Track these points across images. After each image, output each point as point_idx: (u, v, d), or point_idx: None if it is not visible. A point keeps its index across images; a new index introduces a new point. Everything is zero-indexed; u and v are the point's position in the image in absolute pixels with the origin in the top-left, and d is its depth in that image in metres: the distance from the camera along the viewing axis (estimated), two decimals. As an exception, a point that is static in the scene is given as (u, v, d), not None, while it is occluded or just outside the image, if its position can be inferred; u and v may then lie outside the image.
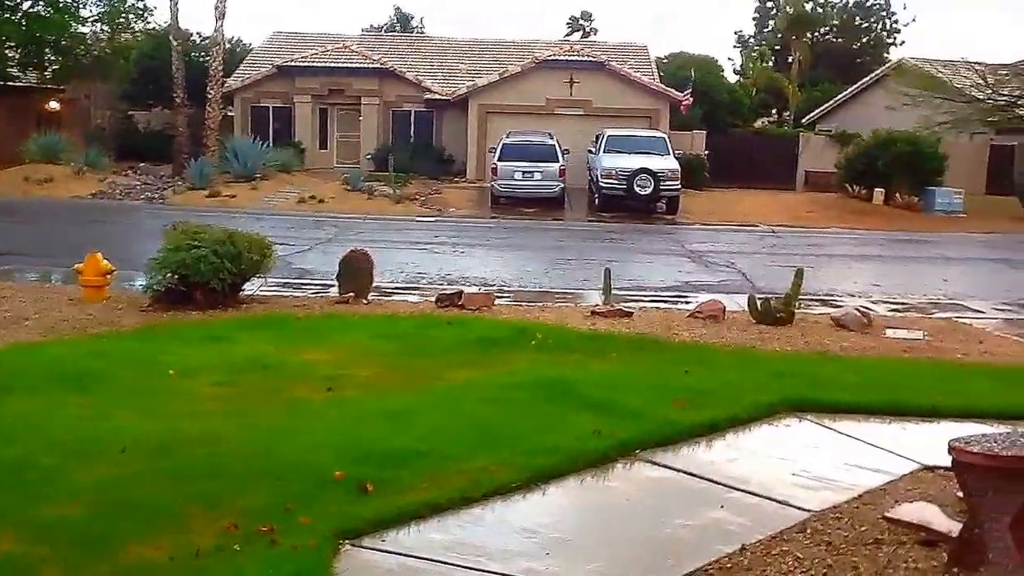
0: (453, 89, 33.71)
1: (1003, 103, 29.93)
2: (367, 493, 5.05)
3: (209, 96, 31.04)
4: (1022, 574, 4.09)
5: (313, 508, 4.82)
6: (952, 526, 4.62)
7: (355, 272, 11.57)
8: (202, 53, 36.48)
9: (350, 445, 5.72)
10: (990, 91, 29.90)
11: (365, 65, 34.25)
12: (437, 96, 33.84)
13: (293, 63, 34.22)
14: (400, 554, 4.55)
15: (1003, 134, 32.49)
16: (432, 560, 4.50)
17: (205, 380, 7.34)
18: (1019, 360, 9.25)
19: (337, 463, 5.36)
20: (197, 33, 41.07)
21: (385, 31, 52.28)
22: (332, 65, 34.09)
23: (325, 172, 32.07)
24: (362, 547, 4.58)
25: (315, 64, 34.08)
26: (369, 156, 33.45)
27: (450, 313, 10.56)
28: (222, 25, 31.39)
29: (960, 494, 4.64)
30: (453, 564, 4.46)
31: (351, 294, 11.30)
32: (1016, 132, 31.62)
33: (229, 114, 35.17)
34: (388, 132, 34.64)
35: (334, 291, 11.80)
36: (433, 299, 11.42)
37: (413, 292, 12.95)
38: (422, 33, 53.42)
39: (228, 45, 36.53)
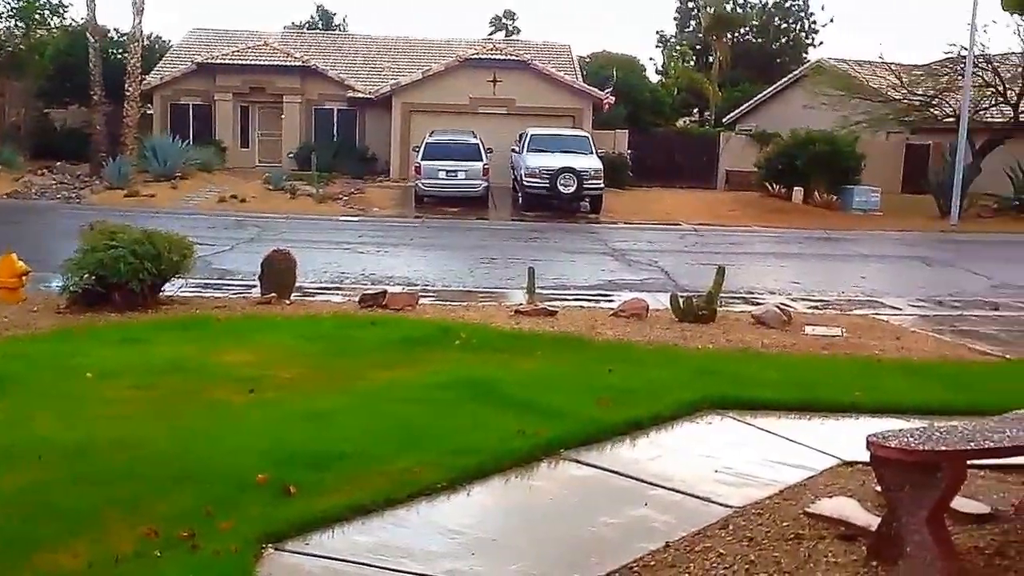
0: (376, 88, 33.51)
1: (918, 103, 30.82)
2: (290, 495, 4.97)
3: (127, 94, 30.37)
4: (939, 567, 4.18)
5: (235, 512, 4.72)
6: (871, 520, 4.70)
7: (277, 272, 11.40)
8: (120, 50, 35.61)
9: (273, 447, 5.62)
10: (905, 91, 30.77)
11: (287, 63, 33.84)
12: (360, 95, 33.59)
13: (214, 61, 33.65)
14: (324, 557, 4.49)
15: (918, 133, 33.45)
16: (356, 563, 4.44)
17: (124, 383, 7.16)
18: (935, 355, 9.48)
19: (259, 466, 5.26)
20: (115, 29, 40.07)
21: (307, 29, 51.65)
22: (253, 63, 33.62)
23: (247, 171, 31.58)
24: (285, 551, 4.50)
25: (236, 62, 33.57)
26: (291, 155, 33.05)
27: (374, 313, 10.47)
28: (140, 21, 30.76)
29: (878, 489, 4.72)
30: (377, 566, 4.41)
31: (273, 295, 11.14)
32: (931, 131, 32.57)
33: (148, 112, 34.47)
34: (311, 131, 34.27)
35: (256, 292, 11.63)
36: (356, 299, 11.31)
37: (336, 292, 12.83)
38: (345, 31, 52.92)
39: (147, 42, 35.81)
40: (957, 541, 4.59)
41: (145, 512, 4.67)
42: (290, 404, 6.67)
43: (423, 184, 26.27)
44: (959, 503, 4.84)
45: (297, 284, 11.79)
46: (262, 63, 33.66)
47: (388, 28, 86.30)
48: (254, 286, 11.84)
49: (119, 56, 34.76)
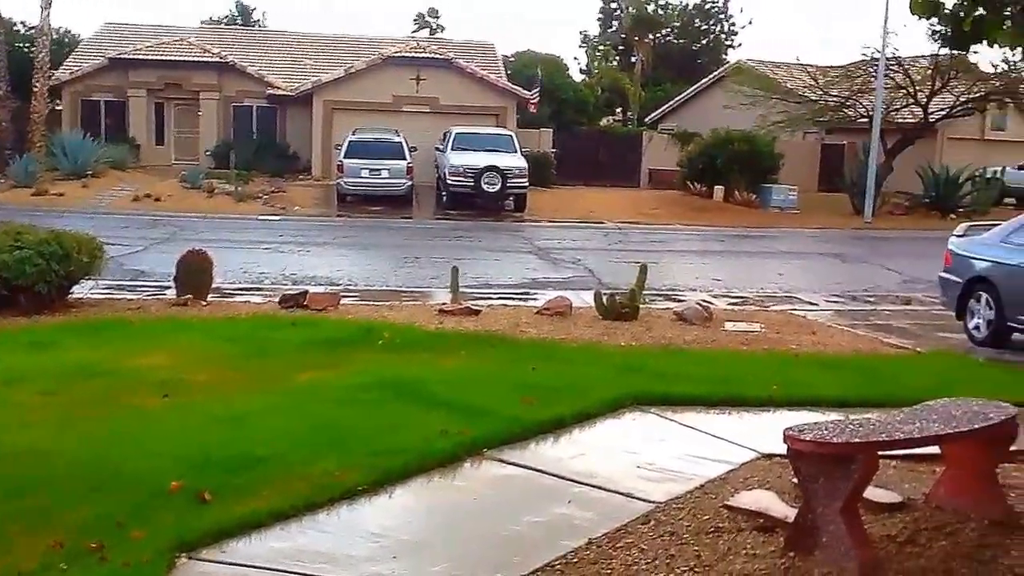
0: (297, 85, 33.05)
1: (833, 104, 31.51)
2: (205, 502, 4.87)
3: (35, 89, 29.48)
4: (853, 555, 4.26)
5: (147, 521, 4.60)
6: (788, 512, 4.78)
7: (193, 273, 11.16)
8: (27, 44, 34.55)
9: (188, 453, 5.50)
10: (821, 92, 31.44)
11: (204, 59, 33.17)
12: (280, 92, 33.09)
13: (127, 55, 32.81)
14: (241, 565, 4.40)
15: (834, 133, 34.16)
16: (273, 569, 4.37)
17: (31, 389, 6.94)
18: (850, 350, 9.70)
19: (174, 472, 5.15)
20: (21, 22, 38.93)
21: (225, 24, 50.78)
22: (169, 58, 32.90)
23: (162, 169, 30.87)
24: (200, 559, 4.41)
25: (151, 57, 32.80)
26: (209, 153, 32.42)
27: (295, 314, 10.32)
28: (48, 14, 29.86)
29: (796, 481, 4.80)
30: (296, 572, 4.34)
31: (189, 296, 10.91)
32: (846, 132, 33.32)
33: (57, 108, 33.48)
34: (229, 128, 33.66)
35: (171, 293, 11.37)
36: (277, 300, 11.15)
37: (256, 293, 12.63)
38: (264, 27, 52.18)
39: (56, 35, 34.80)
40: (870, 530, 4.69)
41: (52, 524, 4.53)
42: (207, 408, 6.53)
43: (346, 183, 26.03)
44: (872, 493, 4.95)
45: (215, 285, 11.57)
46: (178, 58, 32.95)
47: (309, 24, 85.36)
48: (169, 287, 11.59)
49: (26, 50, 33.73)
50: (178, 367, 7.69)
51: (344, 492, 5.14)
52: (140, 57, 32.76)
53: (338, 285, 13.44)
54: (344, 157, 26.09)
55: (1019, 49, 3.13)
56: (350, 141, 26.55)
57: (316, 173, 31.56)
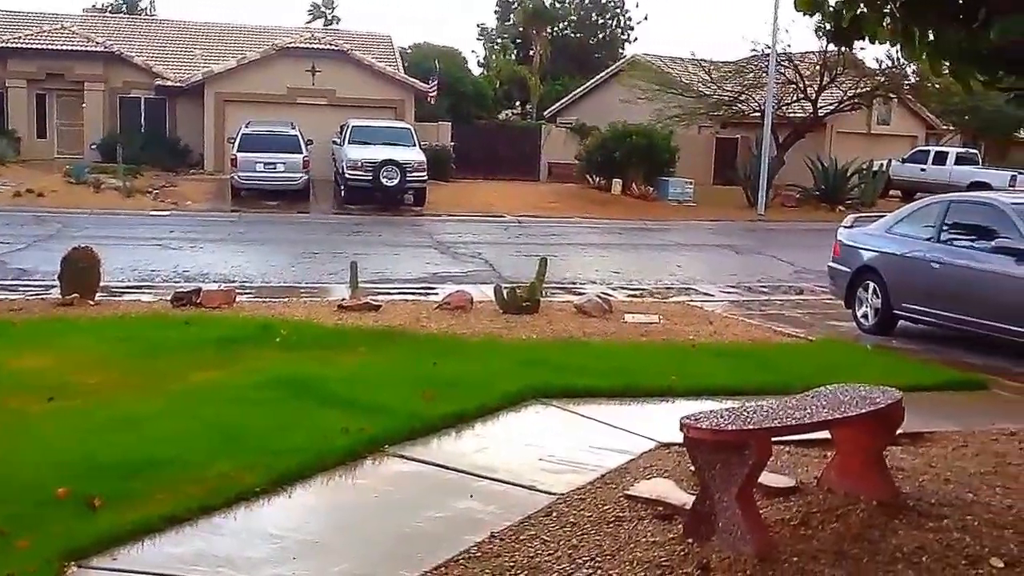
0: (187, 76, 32.23)
1: (727, 98, 32.21)
2: (95, 509, 4.72)
3: (-96, 80, 28.10)
4: (749, 540, 4.36)
5: (33, 530, 4.43)
6: (686, 499, 4.86)
7: (79, 271, 10.78)
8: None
9: (76, 459, 5.32)
10: (715, 87, 32.10)
11: (88, 48, 32.04)
12: (170, 83, 32.21)
13: (5, 44, 31.47)
14: (133, 571, 4.29)
15: (728, 127, 34.91)
16: (169, 575, 4.25)
17: (-96, 396, 6.61)
18: (745, 339, 9.93)
19: (60, 479, 4.96)
20: None
21: (110, 12, 49.19)
22: (50, 47, 31.64)
23: (45, 163, 29.69)
24: (90, 567, 4.27)
25: (31, 46, 31.48)
26: (95, 146, 31.35)
27: (188, 312, 10.07)
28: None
29: (693, 468, 4.88)
30: (192, 578, 4.24)
31: (75, 295, 10.52)
32: (739, 126, 34.09)
33: (-71, 100, 32.00)
34: (116, 120, 32.58)
35: (56, 292, 10.95)
36: (169, 298, 10.84)
37: (147, 291, 12.29)
38: (152, 16, 50.76)
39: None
40: (765, 514, 4.81)
41: (-70, 535, 4.32)
42: (95, 411, 6.32)
43: (240, 177, 25.50)
44: (767, 478, 5.07)
45: (103, 283, 11.20)
46: (60, 48, 31.71)
47: (199, 13, 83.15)
48: (54, 286, 11.15)
49: None
50: (65, 369, 7.41)
51: (241, 494, 5.04)
52: (19, 46, 31.43)
53: (233, 282, 13.17)
54: (238, 151, 25.54)
55: (899, 45, 3.24)
56: (243, 134, 25.99)
57: (209, 167, 30.85)
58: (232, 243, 18.49)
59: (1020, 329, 9.14)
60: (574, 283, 14.32)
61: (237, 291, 11.53)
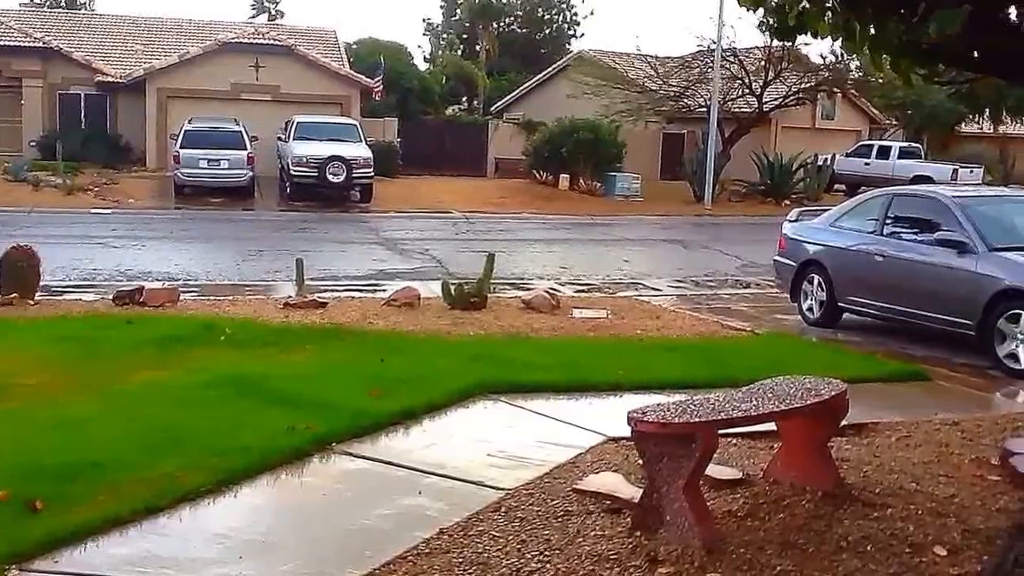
0: (129, 71, 31.69)
1: (673, 94, 32.45)
2: (37, 512, 4.63)
3: None
4: (696, 532, 4.39)
5: (-29, 534, 4.33)
6: (634, 492, 4.88)
7: (18, 271, 10.55)
8: None
9: (16, 461, 5.21)
10: (661, 82, 32.32)
11: (25, 43, 31.32)
12: (111, 79, 31.63)
13: (-60, 40, 30.74)
14: (76, 574, 4.21)
15: (674, 123, 35.17)
16: (112, 578, 4.18)
17: None
18: (692, 333, 10.01)
19: (0, 482, 4.85)
20: None
21: (48, 7, 48.19)
22: (-13, 43, 30.96)
23: (-18, 162, 29.06)
24: (32, 571, 4.20)
25: (-35, 41, 30.79)
26: (33, 143, 30.68)
27: (130, 311, 9.91)
28: None
29: (641, 462, 4.90)
30: (136, 580, 4.17)
31: (15, 295, 10.30)
32: (685, 121, 34.36)
33: None
34: (55, 117, 31.91)
35: (-5, 292, 10.72)
36: (111, 297, 10.66)
37: (88, 290, 12.07)
38: (91, 10, 49.83)
39: None
40: (712, 506, 4.85)
41: None
42: (36, 413, 6.19)
43: (183, 174, 25.16)
44: (714, 470, 5.11)
45: (43, 283, 10.97)
46: (-3, 43, 31.07)
47: (139, 8, 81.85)
48: (-7, 286, 10.91)
49: None
50: (3, 370, 7.23)
51: (186, 494, 4.97)
52: (-46, 41, 30.74)
53: (177, 280, 12.99)
54: (180, 147, 25.20)
55: (840, 39, 3.27)
56: (186, 130, 25.65)
57: (151, 164, 30.36)
58: (175, 241, 18.24)
59: (962, 320, 9.30)
60: (522, 279, 14.34)
61: (181, 289, 11.37)
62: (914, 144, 37.09)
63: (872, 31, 3.23)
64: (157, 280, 12.81)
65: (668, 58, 33.79)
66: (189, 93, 30.34)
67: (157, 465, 5.29)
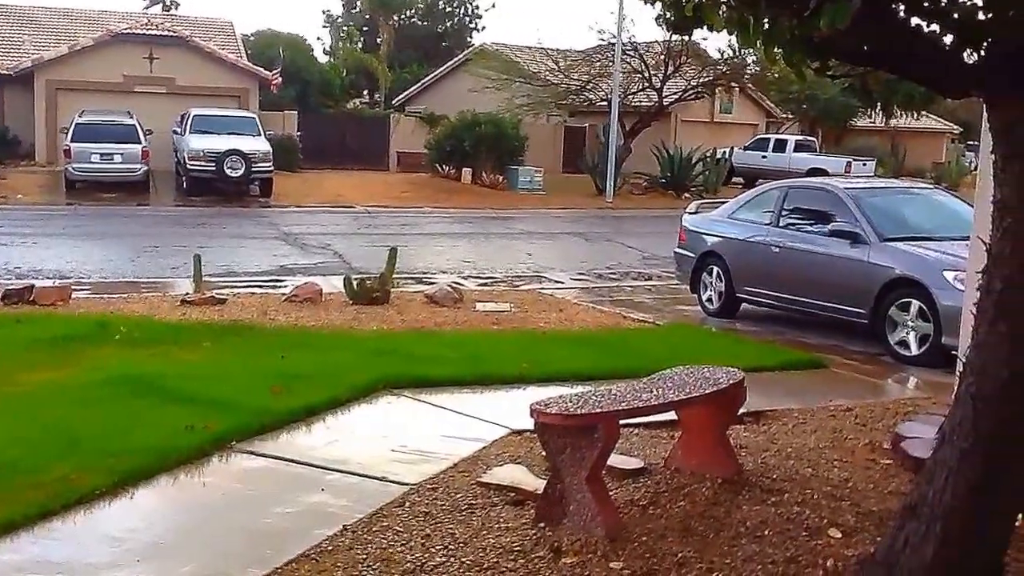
0: (15, 63, 30.50)
1: (574, 87, 32.68)
2: (-82, 521, 4.43)
3: None
4: (599, 521, 4.43)
5: None
6: (538, 484, 4.91)
7: (-102, 268, 10.09)
8: None
9: None
10: (562, 76, 32.51)
11: (-96, 33, 29.99)
12: (-3, 70, 30.44)
13: None
14: (-40, 586, 4.04)
15: (576, 116, 35.41)
16: (0, 587, 4.03)
17: None
18: (594, 325, 10.11)
19: None
20: None
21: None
22: None
23: None
24: (-88, 584, 4.01)
25: None
26: (-87, 138, 29.39)
27: (20, 310, 9.56)
28: None
29: (544, 453, 4.93)
30: (27, 588, 4.03)
31: None
32: (587, 114, 34.63)
33: None
34: (-63, 111, 30.61)
35: None
36: (-1, 295, 10.27)
37: (-26, 289, 11.57)
38: (-25, -1, 47.77)
39: None
40: (615, 496, 4.90)
41: None
42: (-83, 417, 5.93)
43: (74, 168, 24.35)
44: (616, 460, 5.18)
45: (-75, 282, 10.52)
46: None
47: (28, -1, 78.88)
48: None
49: None
50: None
51: (81, 497, 4.84)
52: None
53: (69, 278, 12.57)
54: (71, 141, 24.37)
55: (735, 34, 3.33)
56: (77, 124, 24.83)
57: (41, 159, 29.31)
58: (67, 237, 17.63)
59: (855, 309, 9.58)
60: (425, 273, 14.28)
61: (73, 287, 11.00)
62: (809, 138, 38.15)
63: (765, 25, 3.29)
64: (48, 278, 12.41)
65: (570, 52, 34.01)
66: (80, 85, 29.36)
67: (51, 467, 5.14)
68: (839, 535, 4.54)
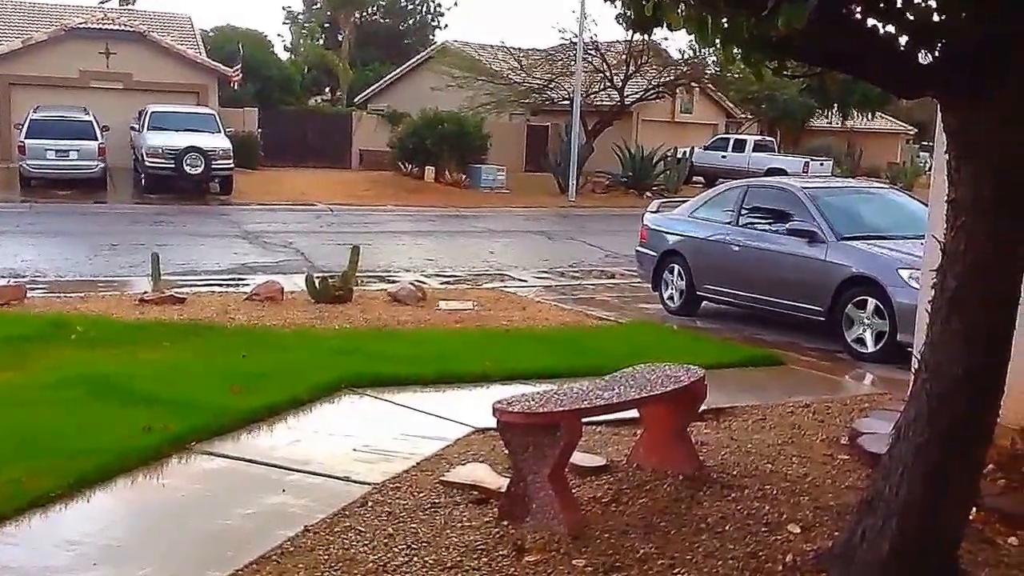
0: (-32, 57, 29.99)
1: (537, 86, 32.73)
2: None
3: None
4: (562, 519, 4.44)
5: None
6: (501, 482, 4.91)
7: None
8: None
9: None
10: (525, 75, 32.55)
11: None
12: (-52, 65, 29.90)
13: None
14: (-90, 592, 3.97)
15: (539, 115, 35.48)
16: (-47, 593, 3.96)
17: None
18: (557, 323, 10.13)
19: None
20: None
21: None
22: None
23: None
24: None
25: None
26: None
27: (-27, 309, 9.41)
28: None
29: (507, 452, 4.93)
30: (-20, 593, 3.96)
31: None
32: (549, 113, 34.71)
33: None
34: None
35: None
36: (-49, 295, 10.10)
37: (-74, 288, 11.36)
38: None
39: None
40: (578, 493, 4.92)
41: None
42: None
43: (29, 165, 24.01)
44: (579, 458, 5.19)
45: None
46: None
47: (-18, -7, 77.45)
48: None
49: None
50: None
51: (35, 500, 4.76)
52: None
53: (23, 277, 12.39)
54: (26, 137, 24.02)
55: (694, 33, 3.35)
56: (32, 119, 24.46)
57: (-6, 155, 28.87)
58: (22, 235, 17.37)
59: (813, 307, 9.69)
60: (388, 271, 14.23)
61: (28, 286, 10.86)
62: (768, 138, 38.52)
63: (724, 24, 3.32)
64: (2, 277, 12.22)
65: (532, 51, 34.06)
66: (34, 80, 28.93)
67: (4, 470, 5.04)
68: (798, 530, 4.59)
